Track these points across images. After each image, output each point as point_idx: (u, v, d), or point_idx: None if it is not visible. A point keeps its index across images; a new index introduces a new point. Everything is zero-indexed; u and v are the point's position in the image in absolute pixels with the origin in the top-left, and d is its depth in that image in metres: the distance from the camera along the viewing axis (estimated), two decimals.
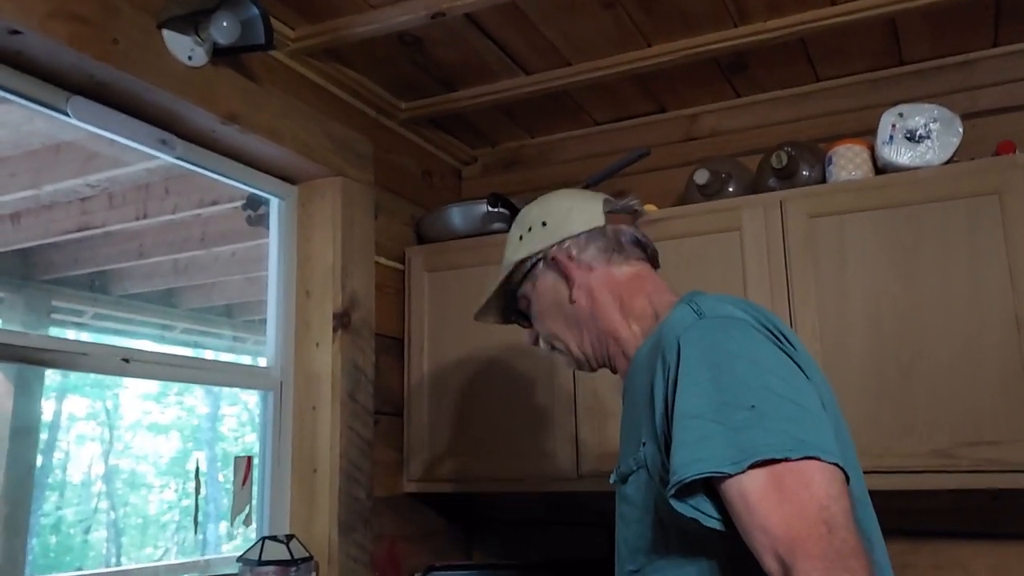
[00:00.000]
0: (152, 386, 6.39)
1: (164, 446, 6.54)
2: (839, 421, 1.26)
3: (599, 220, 1.51)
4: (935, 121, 2.26)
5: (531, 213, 1.58)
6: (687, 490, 1.12)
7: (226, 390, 6.97)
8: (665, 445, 1.20)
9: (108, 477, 6.06)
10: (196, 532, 2.26)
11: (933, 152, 2.25)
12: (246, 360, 5.61)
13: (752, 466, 1.07)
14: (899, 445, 2.12)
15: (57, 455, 5.60)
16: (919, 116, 2.28)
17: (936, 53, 2.59)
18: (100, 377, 6.11)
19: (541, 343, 1.58)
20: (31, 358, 1.86)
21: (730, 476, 1.08)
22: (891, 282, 2.20)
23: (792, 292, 2.30)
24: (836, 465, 1.08)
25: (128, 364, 2.04)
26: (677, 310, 1.30)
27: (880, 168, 2.34)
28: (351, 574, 2.43)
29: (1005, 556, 2.37)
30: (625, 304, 1.46)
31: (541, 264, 1.52)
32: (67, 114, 1.96)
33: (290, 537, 2.28)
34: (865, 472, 2.04)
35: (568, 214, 1.53)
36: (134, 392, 6.27)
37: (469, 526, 3.07)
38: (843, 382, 2.17)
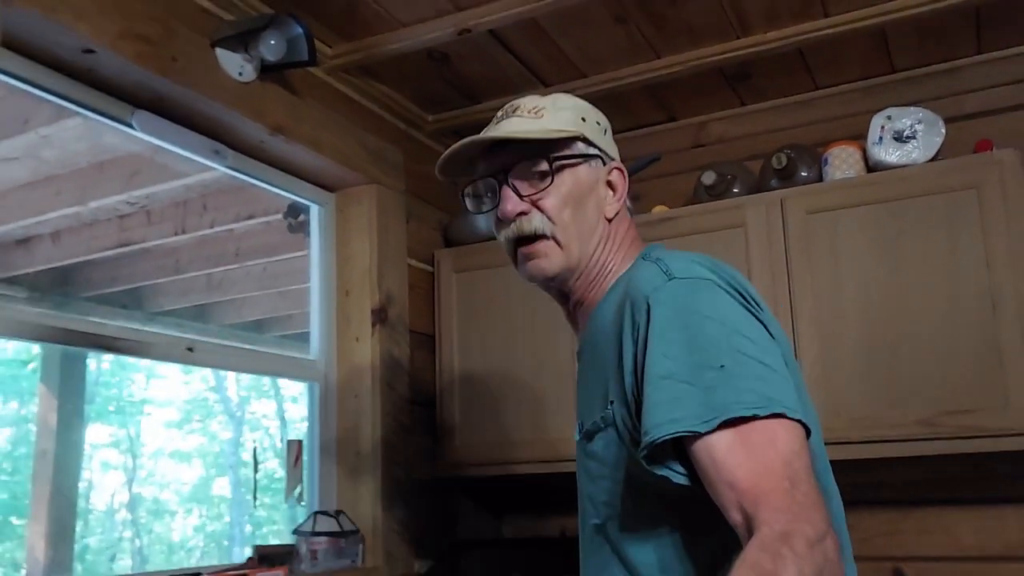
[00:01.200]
0: (174, 413, 6.52)
1: (187, 473, 6.62)
2: (798, 378, 1.28)
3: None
4: (920, 123, 2.46)
5: (592, 111, 1.46)
6: (659, 449, 1.14)
7: (248, 415, 7.09)
8: (636, 405, 1.21)
9: (132, 505, 6.15)
10: (255, 507, 2.46)
11: (919, 151, 2.45)
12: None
13: (721, 424, 1.09)
14: (887, 416, 2.33)
15: (81, 484, 5.65)
16: (905, 118, 2.48)
17: (924, 61, 2.78)
18: (123, 404, 6.22)
19: (536, 219, 1.37)
20: (108, 346, 2.08)
21: (700, 435, 1.10)
22: (880, 269, 2.41)
23: (792, 281, 2.50)
24: (799, 422, 1.12)
25: (192, 353, 2.26)
26: (644, 269, 1.30)
27: (871, 167, 2.54)
28: (394, 547, 2.63)
29: (986, 519, 2.58)
30: (620, 248, 1.43)
31: (601, 163, 1.43)
32: (132, 126, 2.19)
33: (339, 512, 2.49)
34: (855, 442, 2.30)
35: (614, 145, 1.49)
36: (157, 419, 6.38)
37: (498, 507, 3.28)
38: (837, 360, 2.40)
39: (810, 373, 2.40)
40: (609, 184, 1.43)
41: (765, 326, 1.23)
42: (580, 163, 1.40)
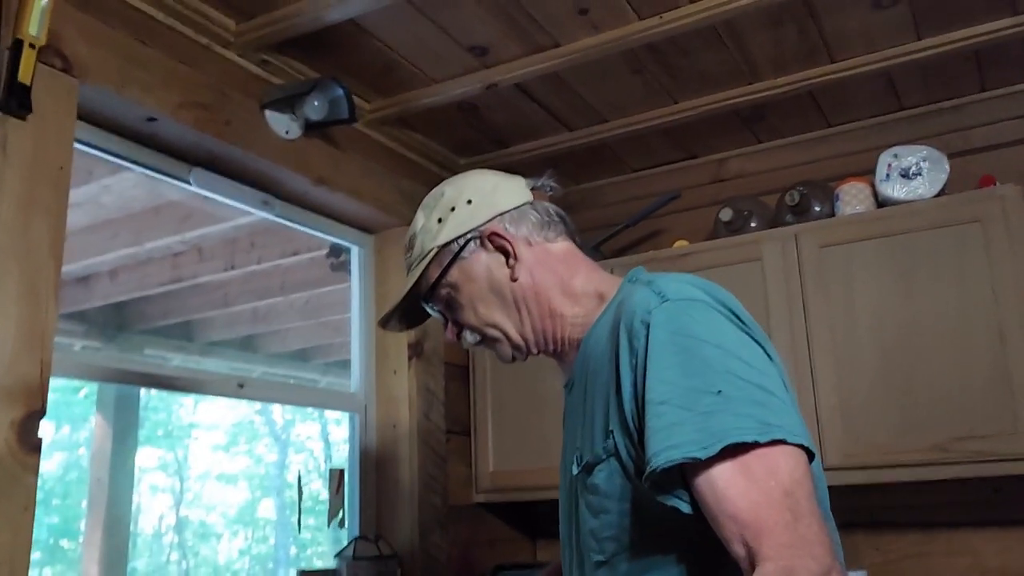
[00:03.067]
0: (221, 436, 6.64)
1: (233, 495, 6.66)
2: (794, 400, 1.24)
3: (528, 195, 1.44)
4: (925, 160, 2.60)
5: (447, 195, 1.44)
6: (665, 479, 1.11)
7: (294, 438, 7.22)
8: (639, 434, 1.18)
9: (179, 527, 6.17)
10: (299, 532, 2.62)
11: (925, 187, 2.59)
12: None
13: (721, 451, 1.06)
14: (902, 442, 2.43)
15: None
16: (911, 156, 2.62)
17: (929, 99, 2.91)
18: (171, 428, 6.37)
19: (468, 336, 1.45)
20: (166, 384, 2.27)
21: (700, 462, 1.07)
22: (892, 300, 2.53)
23: (808, 313, 2.64)
24: (800, 446, 1.10)
25: (242, 388, 2.44)
26: (638, 292, 1.25)
27: (880, 202, 2.68)
28: (430, 571, 2.78)
29: (1009, 540, 2.65)
30: (566, 282, 1.40)
31: (473, 244, 1.40)
32: (189, 182, 2.38)
33: (378, 537, 2.65)
34: (872, 467, 2.39)
35: (495, 190, 1.44)
36: (204, 443, 6.41)
37: (533, 531, 3.41)
38: (853, 388, 2.52)
39: (827, 401, 2.53)
40: (498, 249, 1.40)
41: (762, 347, 1.21)
42: (453, 267, 1.40)
